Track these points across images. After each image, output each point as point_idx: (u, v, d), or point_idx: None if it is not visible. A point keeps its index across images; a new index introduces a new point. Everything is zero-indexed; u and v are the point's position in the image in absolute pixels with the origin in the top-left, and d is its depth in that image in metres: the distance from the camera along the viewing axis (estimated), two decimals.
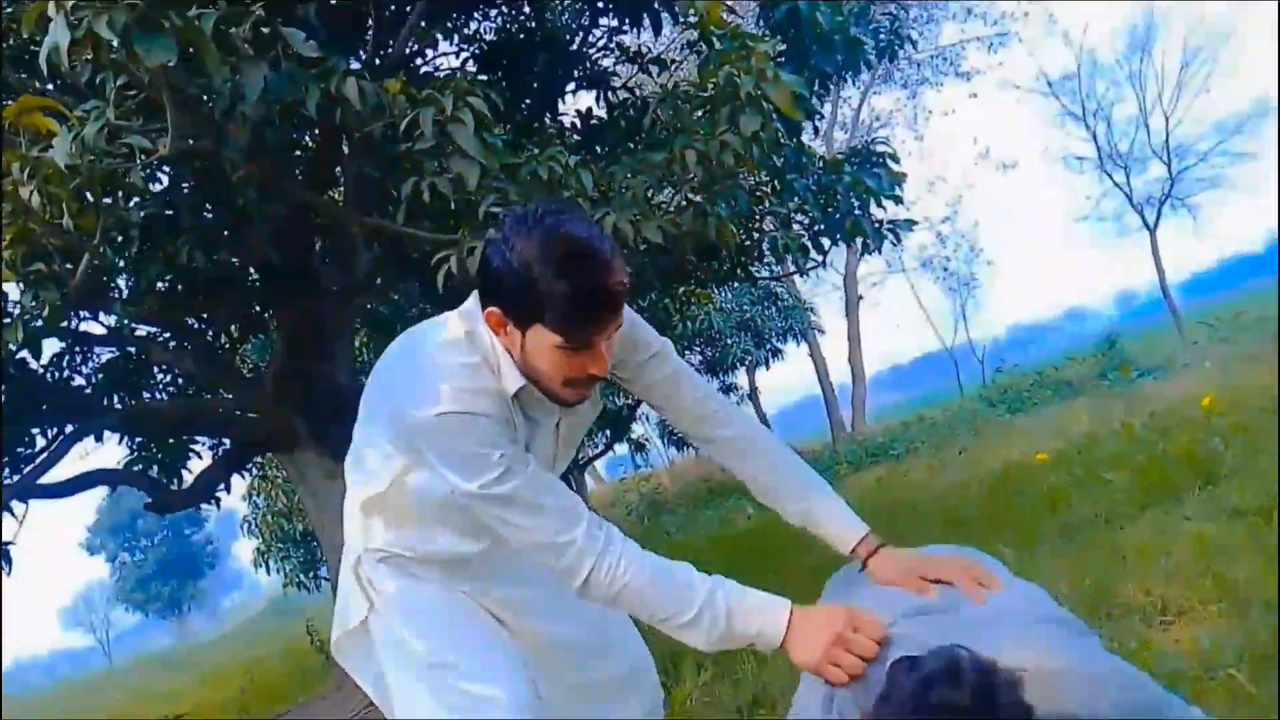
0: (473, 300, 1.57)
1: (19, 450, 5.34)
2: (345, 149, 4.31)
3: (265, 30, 2.83)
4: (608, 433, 13.96)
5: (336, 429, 5.82)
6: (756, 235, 5.79)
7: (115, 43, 2.43)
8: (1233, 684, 1.95)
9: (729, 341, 14.54)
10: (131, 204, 3.97)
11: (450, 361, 1.49)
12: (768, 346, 15.91)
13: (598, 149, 4.95)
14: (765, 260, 6.64)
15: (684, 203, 4.15)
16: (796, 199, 5.11)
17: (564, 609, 1.70)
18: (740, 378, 17.49)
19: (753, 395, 19.52)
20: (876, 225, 5.37)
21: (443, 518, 1.61)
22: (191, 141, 3.34)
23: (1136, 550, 3.43)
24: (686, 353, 13.93)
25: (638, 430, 18.02)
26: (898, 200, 5.26)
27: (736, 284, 12.54)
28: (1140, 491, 4.48)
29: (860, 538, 1.59)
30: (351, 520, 1.71)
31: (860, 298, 20.35)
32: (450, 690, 1.60)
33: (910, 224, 5.68)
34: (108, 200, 3.14)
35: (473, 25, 5.83)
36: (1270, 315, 14.04)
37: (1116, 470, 4.98)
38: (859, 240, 5.47)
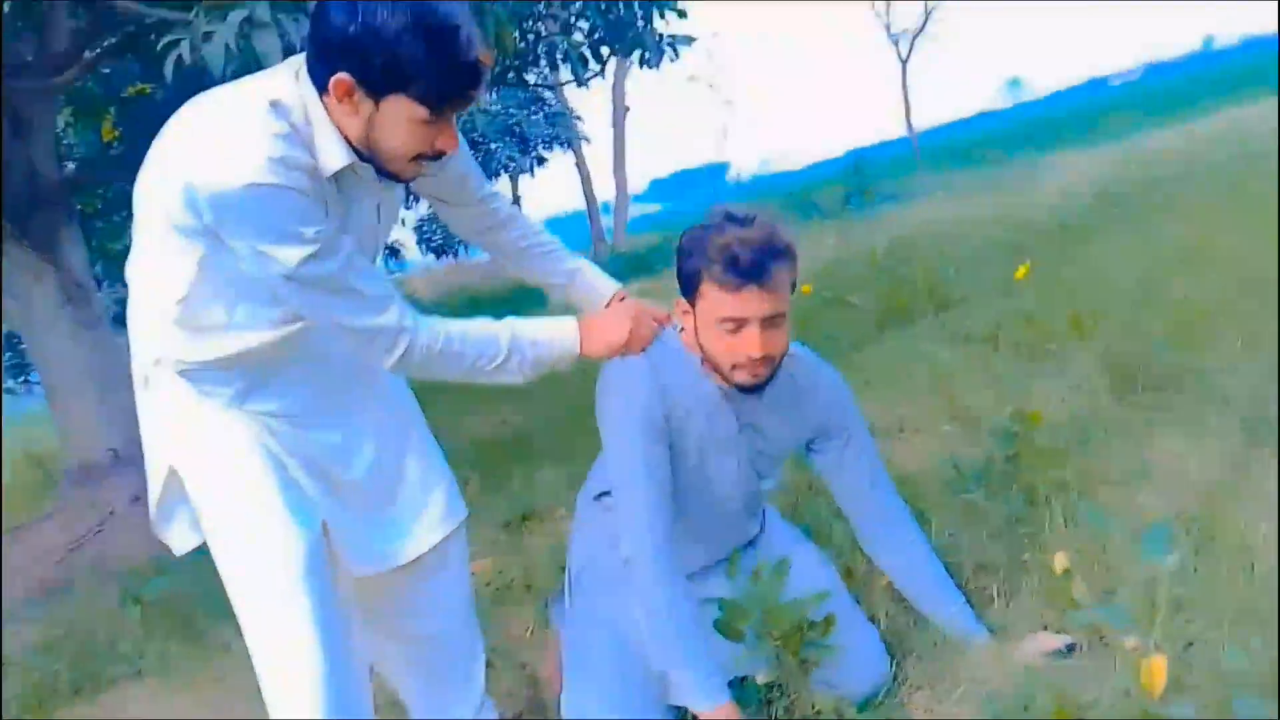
0: (282, 70, 1.44)
1: None
2: None
3: None
4: None
5: (40, 221, 5.11)
6: (532, 38, 5.45)
7: None
8: (970, 506, 2.17)
9: (493, 146, 14.05)
10: None
11: (254, 130, 1.34)
12: (533, 153, 15.58)
13: None
14: (540, 67, 6.32)
15: None
16: (578, 3, 4.83)
17: (356, 410, 1.65)
18: (504, 185, 17.10)
19: (516, 203, 19.18)
20: (658, 39, 5.21)
21: (251, 295, 1.46)
22: None
23: (879, 372, 3.72)
24: None
25: (393, 234, 17.25)
26: (681, 14, 5.12)
27: (503, 87, 12.00)
28: (881, 314, 4.85)
29: (616, 289, 1.84)
30: (143, 331, 1.52)
31: (627, 109, 20.12)
32: (241, 528, 1.51)
33: (689, 40, 5.56)
34: None
35: None
36: (998, 145, 15.30)
37: (860, 293, 5.35)
38: (637, 53, 5.30)
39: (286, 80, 1.41)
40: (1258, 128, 9.16)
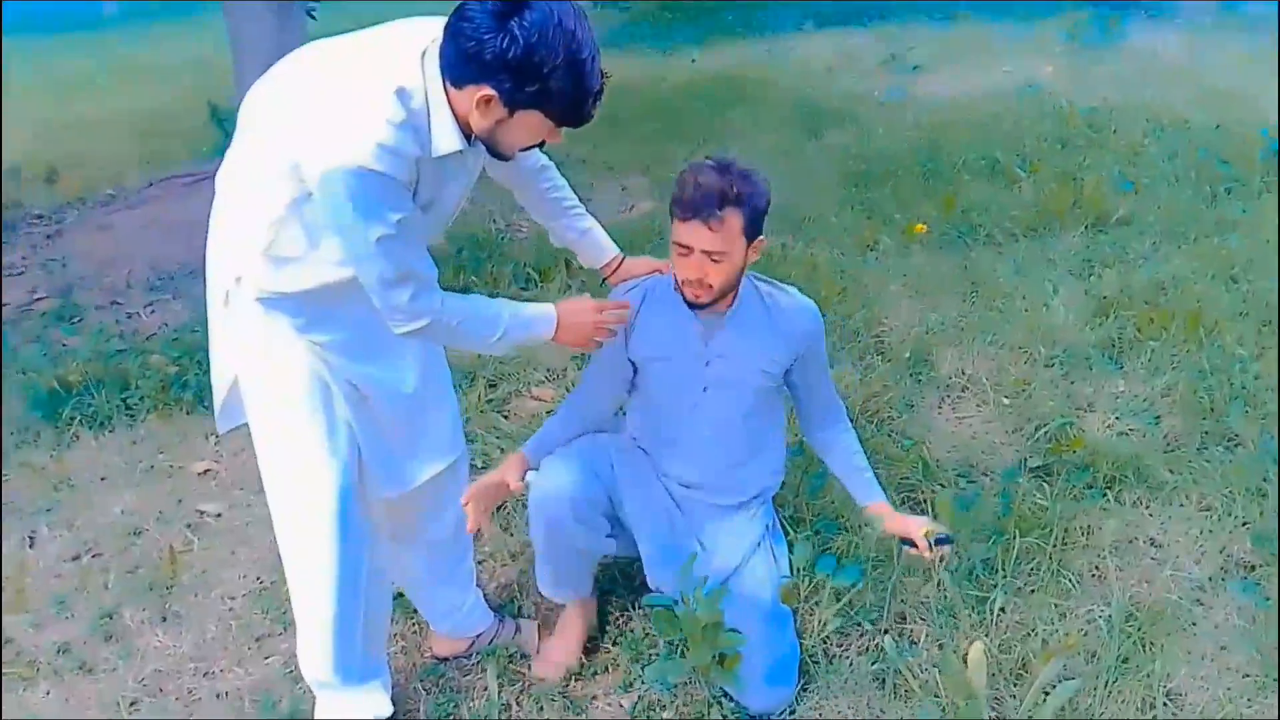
0: (411, 49, 1.53)
1: None
2: None
3: None
4: None
5: None
6: None
7: None
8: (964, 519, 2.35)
9: None
10: None
11: (375, 116, 1.47)
12: None
13: None
14: None
15: None
16: None
17: (396, 346, 1.82)
18: None
19: None
20: None
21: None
22: None
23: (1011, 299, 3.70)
24: None
25: None
26: None
27: None
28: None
29: (616, 253, 2.16)
30: (229, 247, 1.70)
31: None
32: (288, 455, 1.77)
33: None
34: None
35: None
36: None
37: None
38: None
39: (412, 64, 1.51)
40: None
